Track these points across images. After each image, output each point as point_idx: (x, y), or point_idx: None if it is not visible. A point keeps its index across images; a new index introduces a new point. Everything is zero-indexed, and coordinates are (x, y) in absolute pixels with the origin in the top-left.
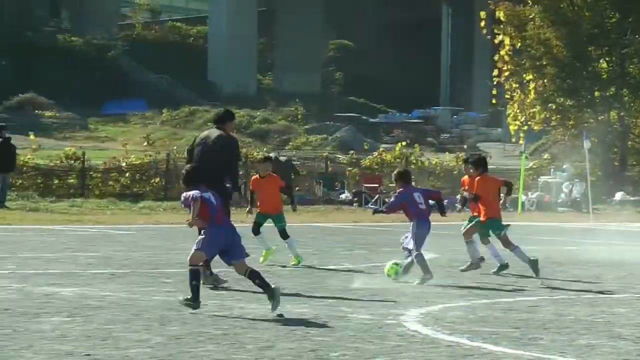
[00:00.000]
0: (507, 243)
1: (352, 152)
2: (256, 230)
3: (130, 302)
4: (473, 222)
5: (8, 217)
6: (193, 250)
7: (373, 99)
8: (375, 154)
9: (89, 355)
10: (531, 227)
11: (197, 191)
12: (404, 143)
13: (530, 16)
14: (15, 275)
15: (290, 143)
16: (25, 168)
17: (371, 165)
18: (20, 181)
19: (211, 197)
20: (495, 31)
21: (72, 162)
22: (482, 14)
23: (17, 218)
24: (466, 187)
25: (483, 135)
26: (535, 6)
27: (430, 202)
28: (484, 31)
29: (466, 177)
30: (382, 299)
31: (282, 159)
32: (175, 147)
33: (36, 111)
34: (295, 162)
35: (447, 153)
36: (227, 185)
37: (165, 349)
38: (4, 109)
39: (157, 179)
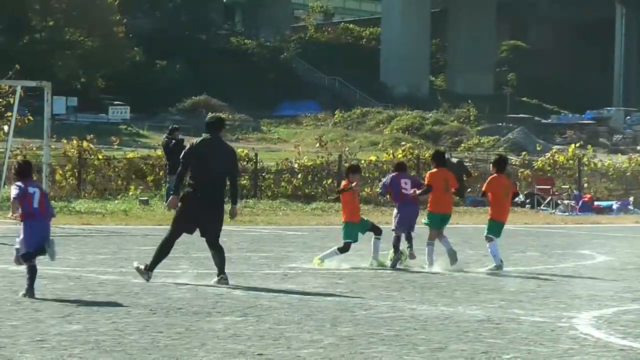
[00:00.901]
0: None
1: (524, 153)
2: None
3: (302, 302)
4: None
5: None
6: (14, 252)
7: (546, 99)
8: (548, 155)
9: (261, 355)
10: None
11: (17, 190)
12: (576, 144)
13: None
14: (187, 275)
15: (462, 144)
16: None
17: (543, 167)
18: None
19: (36, 192)
20: None
21: (245, 163)
22: None
23: None
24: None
25: None
26: None
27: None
28: None
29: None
30: (555, 302)
31: (454, 160)
32: (347, 149)
33: (209, 113)
34: (467, 164)
35: (619, 154)
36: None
37: (337, 349)
38: (177, 111)
39: (329, 180)
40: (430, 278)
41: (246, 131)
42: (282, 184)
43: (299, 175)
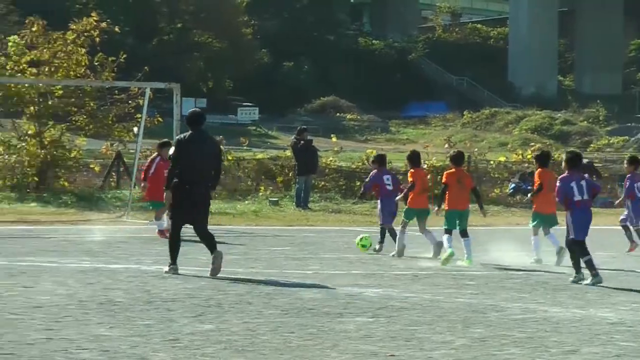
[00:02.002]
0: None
1: None
2: None
3: (433, 303)
4: None
5: (311, 219)
6: None
7: None
8: None
9: (393, 355)
10: None
11: None
12: None
13: None
14: (318, 276)
15: (592, 145)
16: (327, 170)
17: None
18: (322, 183)
19: None
20: None
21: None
22: None
23: (320, 219)
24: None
25: None
26: None
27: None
28: None
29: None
30: None
31: (584, 161)
32: (476, 150)
33: (337, 114)
34: (596, 165)
35: None
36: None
37: (470, 351)
38: (306, 112)
39: None
40: (562, 280)
41: (374, 132)
42: None
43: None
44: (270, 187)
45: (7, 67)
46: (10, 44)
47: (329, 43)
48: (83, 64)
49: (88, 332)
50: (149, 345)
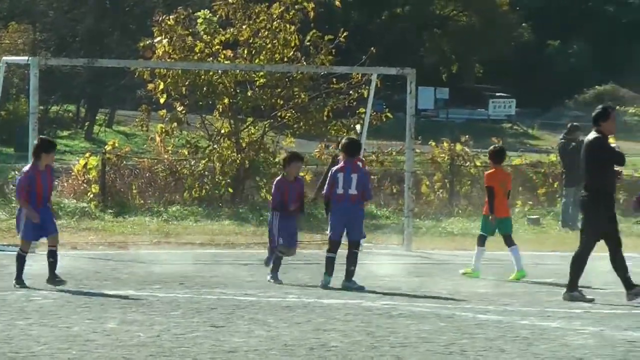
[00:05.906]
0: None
1: None
2: None
3: None
4: None
5: None
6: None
7: None
8: None
9: None
10: None
11: None
12: None
13: None
14: (591, 316)
15: None
16: None
17: None
18: None
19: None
20: None
21: None
22: None
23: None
24: None
25: None
26: None
27: None
28: None
29: None
30: None
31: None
32: None
33: (617, 107)
34: None
35: None
36: None
37: None
38: (576, 104)
39: None
40: None
41: None
42: None
43: None
44: (530, 202)
45: (196, 50)
46: (199, 20)
47: (607, 16)
48: (292, 44)
49: None
50: None
